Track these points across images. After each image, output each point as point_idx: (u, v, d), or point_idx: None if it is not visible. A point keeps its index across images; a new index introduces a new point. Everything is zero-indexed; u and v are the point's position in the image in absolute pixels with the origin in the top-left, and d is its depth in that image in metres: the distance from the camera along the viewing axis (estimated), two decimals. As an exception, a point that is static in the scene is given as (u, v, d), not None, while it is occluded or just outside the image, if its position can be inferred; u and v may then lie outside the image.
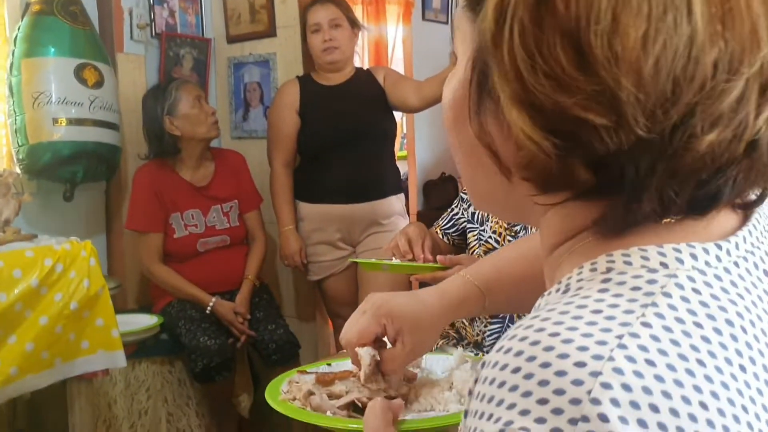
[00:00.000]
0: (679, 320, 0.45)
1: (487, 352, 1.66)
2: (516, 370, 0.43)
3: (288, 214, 3.04)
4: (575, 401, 0.40)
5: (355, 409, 0.88)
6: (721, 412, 0.42)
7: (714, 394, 0.42)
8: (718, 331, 0.45)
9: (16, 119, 2.70)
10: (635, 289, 0.47)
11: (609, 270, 0.49)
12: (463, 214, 2.10)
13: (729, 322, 0.46)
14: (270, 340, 2.88)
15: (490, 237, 1.94)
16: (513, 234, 1.87)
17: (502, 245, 1.89)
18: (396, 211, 3.08)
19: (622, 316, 0.45)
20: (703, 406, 0.41)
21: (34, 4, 2.72)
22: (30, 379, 2.02)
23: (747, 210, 0.53)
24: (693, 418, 0.41)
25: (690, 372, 0.42)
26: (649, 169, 0.46)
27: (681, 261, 0.48)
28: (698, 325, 0.45)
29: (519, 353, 0.44)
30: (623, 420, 0.40)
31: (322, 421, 0.87)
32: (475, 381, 0.47)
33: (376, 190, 3.02)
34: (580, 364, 0.42)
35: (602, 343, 0.43)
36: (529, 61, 0.46)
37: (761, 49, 0.45)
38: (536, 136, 0.47)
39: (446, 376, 0.96)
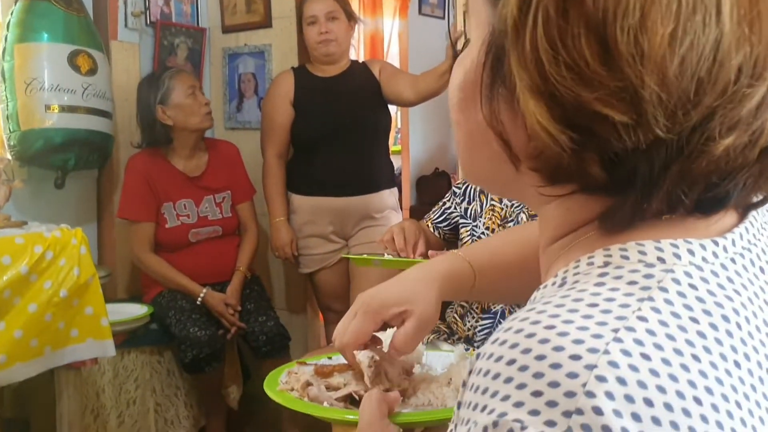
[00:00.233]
0: (676, 315, 0.45)
1: (479, 347, 1.65)
2: (511, 362, 0.43)
3: (280, 205, 3.03)
4: (570, 394, 0.40)
5: (352, 401, 0.88)
6: (714, 408, 0.42)
7: (708, 390, 0.42)
8: (714, 327, 0.45)
9: (8, 105, 2.68)
10: (632, 283, 0.46)
11: (606, 264, 0.49)
12: (455, 208, 2.10)
13: (725, 318, 0.46)
14: (260, 332, 2.88)
15: (482, 233, 1.94)
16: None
17: (495, 241, 1.89)
18: (389, 206, 3.08)
19: (618, 309, 0.44)
20: (697, 401, 0.41)
21: (28, -11, 2.70)
22: (19, 367, 2.01)
23: (747, 210, 0.53)
24: (687, 413, 0.41)
25: (685, 367, 0.42)
26: (663, 169, 0.46)
27: (678, 256, 0.48)
28: (694, 320, 0.45)
29: (514, 345, 0.44)
30: (617, 413, 0.39)
31: (318, 412, 0.87)
32: (470, 372, 0.47)
33: (369, 183, 3.02)
34: (576, 357, 0.41)
35: (598, 336, 0.42)
36: (552, 51, 0.45)
37: None
38: (552, 128, 0.46)
39: (445, 372, 0.95)
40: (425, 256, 1.84)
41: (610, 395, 0.40)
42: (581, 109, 0.45)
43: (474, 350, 1.86)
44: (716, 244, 0.50)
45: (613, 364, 0.41)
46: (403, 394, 0.86)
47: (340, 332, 0.89)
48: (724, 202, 0.49)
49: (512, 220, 1.86)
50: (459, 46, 2.65)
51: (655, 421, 0.40)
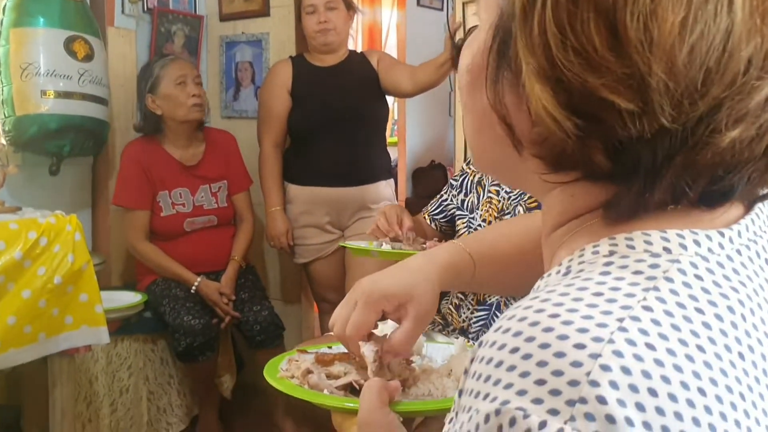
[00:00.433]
0: (681, 305, 0.44)
1: (473, 339, 1.65)
2: (514, 350, 0.43)
3: (276, 195, 3.02)
4: (573, 383, 0.40)
5: (352, 390, 0.87)
6: (718, 399, 0.41)
7: (713, 381, 0.42)
8: (718, 318, 0.45)
9: (3, 90, 2.66)
10: (637, 273, 0.46)
11: (611, 253, 0.49)
12: (452, 200, 2.10)
13: (730, 309, 0.46)
14: (254, 321, 2.87)
15: (479, 225, 1.93)
16: (503, 222, 1.87)
17: (492, 233, 1.88)
18: (385, 197, 3.07)
19: (623, 299, 0.44)
20: (702, 392, 0.41)
21: (24, -27, 2.68)
22: (13, 353, 2.00)
23: (753, 203, 0.53)
24: (691, 403, 0.40)
25: (690, 357, 0.42)
26: (667, 159, 0.45)
27: (684, 246, 0.48)
28: (699, 310, 0.45)
29: (518, 333, 0.44)
30: (621, 403, 0.39)
31: (318, 399, 0.86)
32: (472, 360, 0.46)
33: (366, 174, 3.01)
34: (580, 346, 0.41)
35: (603, 325, 0.42)
36: (560, 36, 0.45)
37: None
38: (558, 114, 0.46)
39: (446, 363, 0.95)
40: (413, 231, 1.84)
41: (614, 384, 0.40)
42: (587, 95, 0.45)
43: (469, 341, 1.86)
44: (722, 235, 0.49)
45: (618, 354, 0.41)
46: (403, 384, 0.86)
47: (338, 321, 0.88)
48: (728, 195, 0.48)
49: (509, 213, 1.86)
50: (457, 37, 2.64)
51: (659, 411, 0.40)
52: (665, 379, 0.41)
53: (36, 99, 2.63)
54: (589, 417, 0.39)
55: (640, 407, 0.39)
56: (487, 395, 0.43)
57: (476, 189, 2.01)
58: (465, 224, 1.99)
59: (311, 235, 3.05)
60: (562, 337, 0.42)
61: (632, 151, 0.46)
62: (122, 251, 3.15)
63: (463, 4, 2.87)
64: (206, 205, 3.01)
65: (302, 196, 3.03)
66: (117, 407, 2.77)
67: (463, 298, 1.93)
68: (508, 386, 0.42)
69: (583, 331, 0.42)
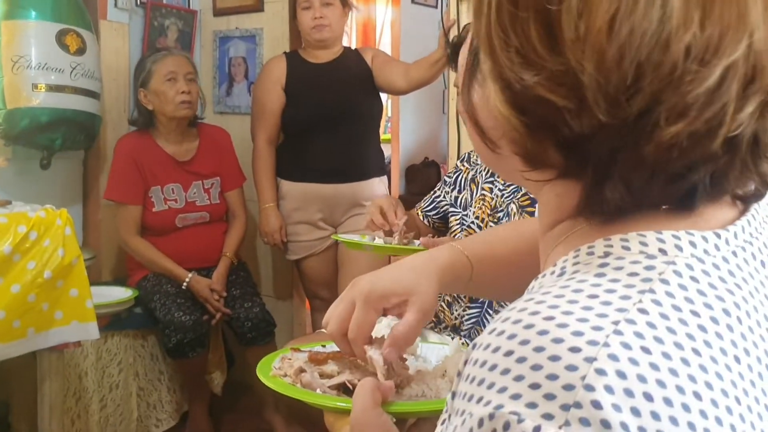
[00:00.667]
0: (676, 308, 0.44)
1: (465, 336, 1.64)
2: (508, 353, 0.42)
3: (269, 191, 3.01)
4: (568, 387, 0.40)
5: (345, 390, 0.86)
6: (714, 403, 0.41)
7: (708, 385, 0.42)
8: (714, 321, 0.44)
9: (-6, 83, 2.65)
10: (633, 275, 0.46)
11: (606, 255, 0.48)
12: (445, 197, 2.10)
13: (726, 312, 0.45)
14: (245, 318, 2.86)
15: (472, 222, 1.93)
16: (495, 220, 1.87)
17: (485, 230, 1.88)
18: (378, 194, 3.06)
19: (618, 301, 0.44)
20: (697, 396, 0.41)
21: (16, -35, 2.66)
22: (1, 348, 1.99)
23: (746, 203, 0.53)
24: (686, 408, 0.40)
25: (685, 361, 0.42)
26: (611, 155, 0.45)
27: (680, 248, 0.47)
28: (695, 313, 0.44)
29: (512, 336, 0.43)
30: (616, 407, 0.39)
31: (311, 398, 0.85)
32: (465, 362, 0.46)
33: (359, 171, 3.00)
34: (575, 350, 0.41)
35: (598, 328, 0.42)
36: (503, 36, 0.46)
37: (745, 38, 0.43)
38: (507, 112, 0.47)
39: (440, 364, 0.94)
40: (408, 234, 1.83)
41: (609, 389, 0.39)
42: (527, 94, 0.45)
43: (461, 339, 1.86)
44: (718, 236, 0.49)
45: (613, 357, 0.40)
46: (396, 385, 0.85)
47: (333, 319, 0.86)
48: (692, 196, 0.47)
49: (502, 210, 1.86)
50: (451, 35, 2.63)
51: (655, 416, 0.39)
52: (661, 383, 0.40)
53: (27, 92, 2.62)
54: (584, 422, 0.39)
55: (635, 412, 0.39)
56: (480, 399, 0.42)
57: (470, 186, 2.01)
58: (458, 221, 1.99)
59: (303, 232, 3.05)
60: (557, 341, 0.41)
61: (580, 148, 0.46)
62: (113, 246, 3.14)
63: (457, 1, 2.86)
64: (198, 201, 2.99)
65: (295, 193, 3.02)
66: (106, 403, 2.76)
67: (455, 295, 1.93)
68: (502, 390, 0.41)
69: (578, 334, 0.41)
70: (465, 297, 1.91)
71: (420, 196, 2.22)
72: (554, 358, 0.41)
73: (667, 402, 0.40)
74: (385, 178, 3.17)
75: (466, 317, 1.89)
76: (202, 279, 2.89)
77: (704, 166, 0.45)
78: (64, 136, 2.75)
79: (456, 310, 1.92)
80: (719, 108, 0.43)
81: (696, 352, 0.42)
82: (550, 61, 0.44)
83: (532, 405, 0.40)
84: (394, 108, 4.73)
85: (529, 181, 0.53)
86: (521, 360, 0.41)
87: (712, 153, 0.45)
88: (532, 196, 1.77)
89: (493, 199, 1.90)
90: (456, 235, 1.97)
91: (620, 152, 0.45)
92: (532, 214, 1.76)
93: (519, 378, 0.41)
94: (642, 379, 0.40)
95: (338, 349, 0.90)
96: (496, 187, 1.90)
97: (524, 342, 0.42)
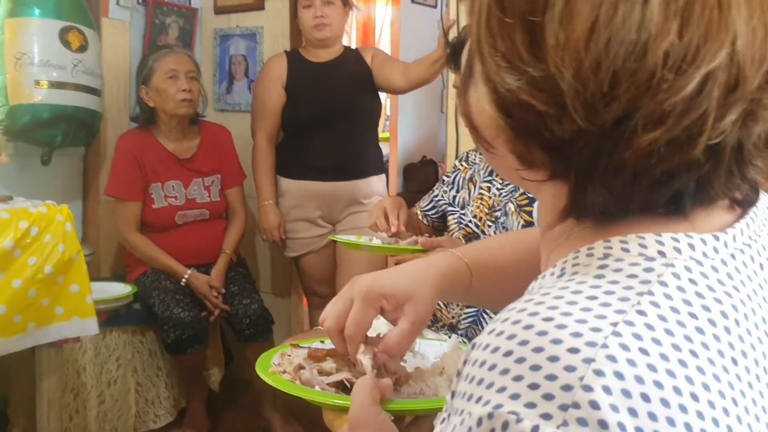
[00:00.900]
0: (675, 310, 0.44)
1: (462, 335, 1.64)
2: (508, 353, 0.43)
3: (269, 188, 3.02)
4: (567, 387, 0.40)
5: (344, 388, 0.87)
6: (711, 404, 0.42)
7: (705, 386, 0.42)
8: (712, 323, 0.45)
9: (-4, 79, 2.65)
10: (632, 276, 0.46)
11: (606, 256, 0.49)
12: (443, 196, 2.11)
13: (724, 315, 0.46)
14: (244, 314, 2.87)
15: (470, 221, 1.94)
16: (493, 219, 1.88)
17: (482, 229, 1.90)
18: (377, 192, 3.07)
19: (617, 303, 0.44)
20: (694, 397, 0.41)
21: (19, -37, 2.67)
22: (2, 342, 1.99)
23: (744, 207, 0.53)
24: (683, 409, 0.41)
25: (682, 362, 0.42)
26: (592, 160, 0.46)
27: (679, 250, 0.48)
28: (693, 316, 0.45)
29: (511, 336, 0.44)
30: (614, 408, 0.39)
31: (310, 396, 0.85)
32: (464, 362, 0.46)
33: (358, 169, 3.01)
34: (574, 350, 0.41)
35: (596, 329, 0.42)
36: (491, 41, 0.48)
37: (726, 45, 0.44)
38: (495, 114, 0.48)
39: (438, 361, 0.95)
40: (409, 237, 1.84)
41: (607, 389, 0.40)
42: (511, 98, 0.47)
43: (458, 337, 1.87)
44: (717, 239, 0.49)
45: (611, 359, 0.41)
46: (395, 383, 0.86)
47: (330, 316, 0.86)
48: (678, 202, 0.48)
49: (500, 209, 1.86)
50: (451, 35, 2.64)
51: (652, 416, 0.40)
52: (658, 384, 0.41)
53: (29, 88, 2.62)
54: (582, 422, 0.39)
55: (632, 412, 0.39)
56: (479, 398, 0.43)
57: (468, 185, 2.02)
58: (455, 220, 2.00)
59: (302, 229, 3.05)
60: (556, 341, 0.42)
61: (563, 150, 0.47)
62: (112, 242, 3.14)
63: (457, 1, 2.87)
64: (198, 198, 3.00)
65: (294, 190, 3.02)
66: (105, 399, 2.76)
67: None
68: (501, 390, 0.42)
69: (577, 335, 0.42)
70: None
71: (417, 194, 2.23)
72: (553, 359, 0.41)
73: (665, 403, 0.40)
74: (383, 176, 3.18)
75: (463, 316, 1.90)
76: (201, 275, 2.90)
77: (687, 172, 0.46)
78: (65, 132, 2.76)
79: (453, 309, 1.93)
80: (698, 116, 0.43)
81: (693, 354, 0.43)
82: (533, 66, 0.45)
83: (530, 405, 0.40)
84: (392, 107, 4.73)
85: (527, 181, 0.53)
86: (520, 360, 0.42)
87: (694, 160, 0.45)
88: (530, 195, 1.78)
89: (491, 198, 1.91)
90: (454, 234, 1.98)
91: (601, 157, 0.45)
92: (529, 213, 1.78)
93: (518, 378, 0.42)
94: (639, 380, 0.40)
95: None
96: (494, 186, 1.91)
97: (523, 342, 0.43)
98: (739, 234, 0.51)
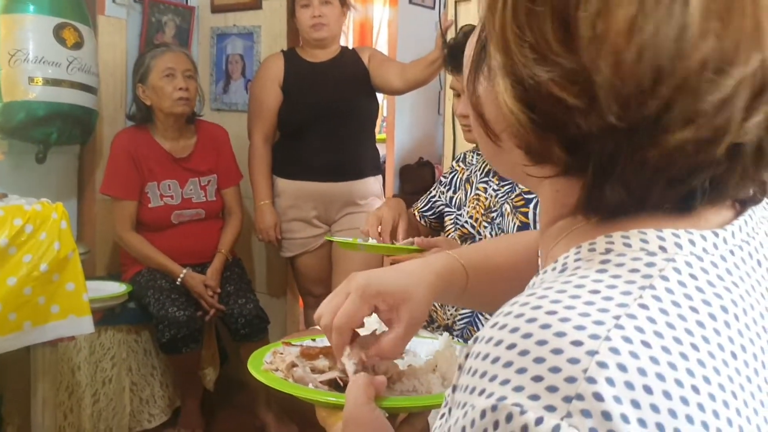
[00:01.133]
0: (676, 304, 0.45)
1: (458, 336, 1.63)
2: (511, 346, 0.43)
3: (265, 188, 3.02)
4: (570, 379, 0.40)
5: (337, 386, 0.86)
6: (711, 397, 0.42)
7: (706, 379, 0.42)
8: (712, 317, 0.45)
9: (-9, 76, 2.64)
10: (633, 271, 0.47)
11: (608, 251, 0.49)
12: (440, 197, 2.11)
13: (723, 308, 0.46)
14: (239, 314, 2.86)
15: (466, 222, 1.94)
16: (489, 220, 1.88)
17: (478, 230, 1.89)
18: (373, 192, 3.08)
19: (619, 297, 0.44)
20: (695, 389, 0.42)
21: (14, -41, 2.66)
22: (-2, 340, 1.98)
23: (744, 206, 0.54)
24: (685, 401, 0.41)
25: (684, 356, 0.42)
26: (614, 157, 0.46)
27: (679, 246, 0.48)
28: (694, 309, 0.45)
29: (514, 329, 0.44)
30: (617, 399, 0.40)
31: (303, 393, 0.85)
32: (466, 356, 0.47)
33: (354, 169, 3.01)
34: (577, 343, 0.41)
35: (599, 322, 0.42)
36: (518, 32, 0.47)
37: (761, 50, 0.44)
38: (514, 107, 0.48)
39: (431, 359, 0.94)
40: (410, 243, 1.84)
41: (610, 381, 0.40)
42: (538, 90, 0.46)
43: (454, 338, 1.87)
44: (716, 235, 0.50)
45: (614, 351, 0.41)
46: (388, 380, 0.85)
47: (326, 312, 0.85)
48: (690, 200, 0.48)
49: (496, 210, 1.86)
50: (448, 36, 2.64)
51: (654, 408, 0.40)
52: (660, 377, 0.41)
53: (24, 85, 2.62)
54: (586, 413, 0.39)
55: (635, 404, 0.40)
56: (483, 391, 0.43)
57: (464, 186, 2.02)
58: (452, 221, 2.00)
59: (298, 229, 3.05)
60: (560, 334, 0.42)
61: (585, 146, 0.46)
62: (107, 241, 3.13)
63: (455, 2, 2.87)
64: (195, 198, 2.99)
65: (290, 190, 3.02)
66: (99, 397, 2.75)
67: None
68: (505, 382, 0.42)
69: (580, 328, 0.42)
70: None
71: (414, 195, 2.23)
72: (556, 351, 0.41)
73: (666, 395, 0.40)
74: (380, 177, 3.18)
75: (459, 317, 1.89)
76: (196, 275, 2.90)
77: (705, 171, 0.46)
78: (60, 130, 2.75)
79: (449, 310, 1.93)
80: (728, 116, 0.44)
81: (694, 347, 0.43)
82: (565, 58, 0.44)
83: (534, 397, 0.41)
84: (389, 108, 4.74)
85: (529, 177, 0.53)
86: (524, 353, 0.42)
87: (714, 159, 0.45)
88: (526, 196, 1.78)
89: (487, 199, 1.91)
90: (450, 234, 1.98)
91: (623, 154, 0.45)
92: (525, 214, 1.77)
93: (521, 370, 0.42)
94: (642, 372, 0.41)
95: (330, 344, 0.90)
96: (490, 187, 1.91)
97: (527, 335, 0.43)
98: (737, 231, 0.52)
